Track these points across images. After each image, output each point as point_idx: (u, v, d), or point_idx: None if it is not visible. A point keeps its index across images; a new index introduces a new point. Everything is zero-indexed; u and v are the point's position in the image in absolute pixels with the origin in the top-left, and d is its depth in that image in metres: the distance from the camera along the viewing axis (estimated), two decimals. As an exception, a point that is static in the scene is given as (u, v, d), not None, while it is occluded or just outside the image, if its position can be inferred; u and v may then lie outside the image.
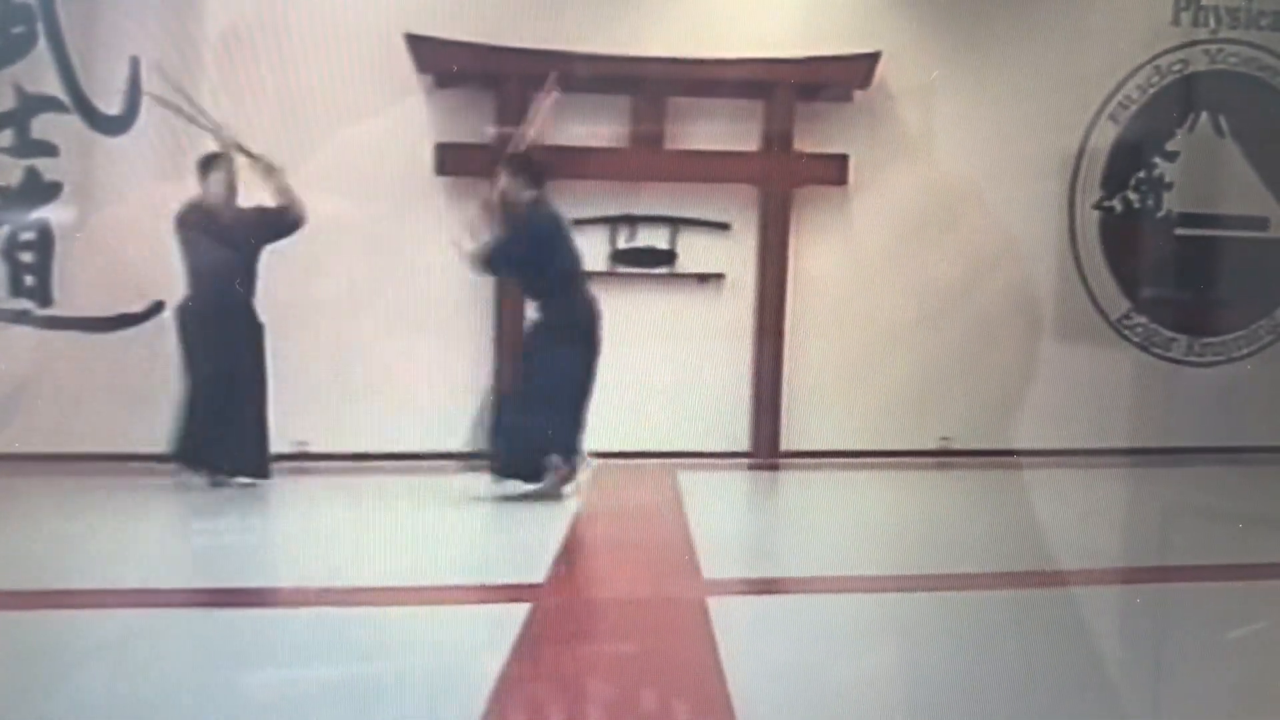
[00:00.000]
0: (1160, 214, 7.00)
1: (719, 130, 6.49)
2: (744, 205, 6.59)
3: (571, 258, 5.73)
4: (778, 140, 6.50)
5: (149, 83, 5.70)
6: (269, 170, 5.53)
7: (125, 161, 5.86)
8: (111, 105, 5.82)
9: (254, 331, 5.60)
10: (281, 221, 5.55)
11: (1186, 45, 6.88)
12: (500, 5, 6.10)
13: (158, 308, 5.92)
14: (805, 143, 6.53)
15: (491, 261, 5.64)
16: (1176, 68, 6.89)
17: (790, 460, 6.63)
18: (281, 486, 5.71)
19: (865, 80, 6.45)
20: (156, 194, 5.84)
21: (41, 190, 5.83)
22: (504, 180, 5.57)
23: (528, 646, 3.72)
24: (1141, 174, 6.97)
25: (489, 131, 6.29)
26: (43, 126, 5.80)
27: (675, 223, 6.50)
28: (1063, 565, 4.63)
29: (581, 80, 6.17)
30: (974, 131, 6.62)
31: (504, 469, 5.60)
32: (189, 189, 5.64)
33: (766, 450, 6.62)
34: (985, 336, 6.67)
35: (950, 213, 6.63)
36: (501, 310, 6.33)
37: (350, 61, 5.83)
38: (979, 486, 6.50)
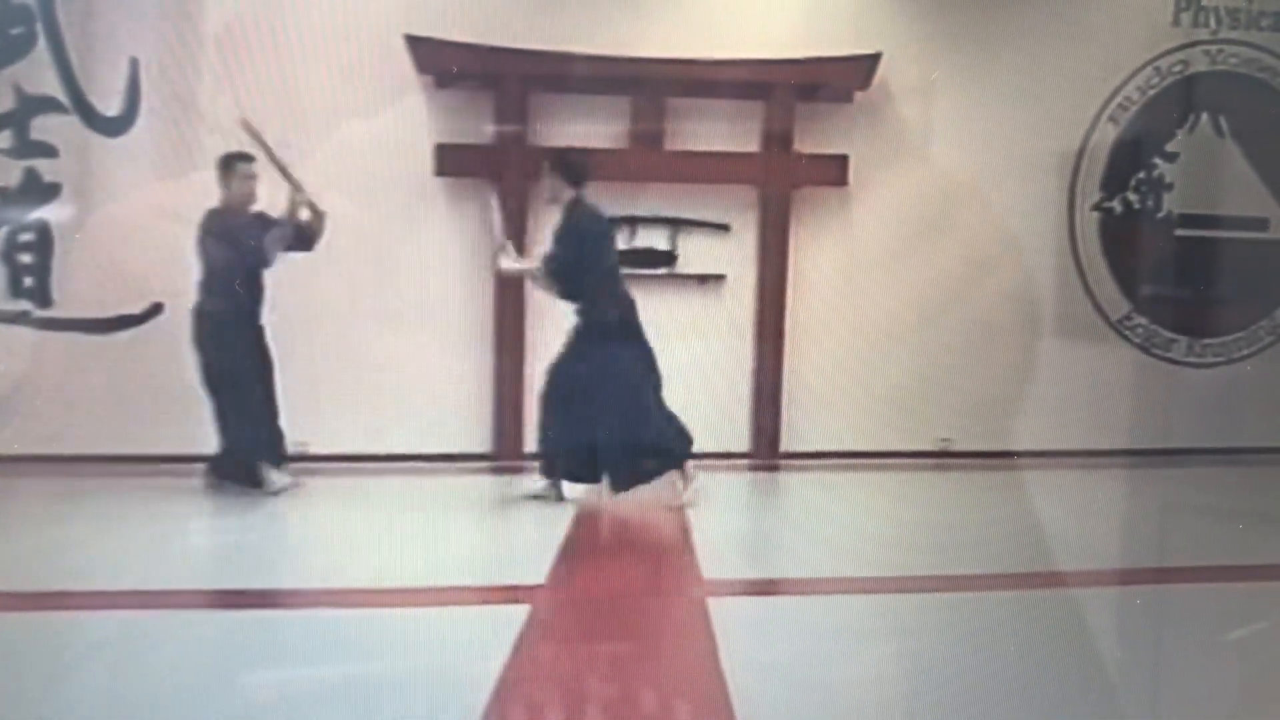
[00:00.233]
0: (1160, 215, 7.00)
1: (719, 131, 6.49)
2: (744, 206, 6.59)
3: (616, 255, 5.75)
4: (778, 141, 6.50)
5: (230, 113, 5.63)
6: (317, 214, 5.60)
7: (125, 162, 5.86)
8: (111, 106, 5.81)
9: (261, 334, 5.60)
10: (300, 237, 5.59)
11: (1187, 46, 6.88)
12: (500, 6, 6.10)
13: (157, 309, 5.91)
14: (805, 143, 6.53)
15: (556, 270, 5.50)
16: (1177, 69, 6.89)
17: (790, 461, 6.63)
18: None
19: (865, 81, 6.45)
20: (156, 195, 5.84)
21: (41, 191, 5.83)
22: (546, 179, 5.52)
23: (528, 647, 3.72)
24: (1141, 175, 6.97)
25: (489, 132, 6.30)
26: (42, 127, 5.80)
27: (675, 223, 6.50)
28: (1062, 566, 4.63)
29: (581, 81, 6.19)
30: (974, 132, 6.62)
31: (568, 472, 5.60)
32: (188, 190, 5.64)
33: (766, 451, 6.62)
34: (985, 338, 6.67)
35: (950, 214, 6.63)
36: (502, 310, 6.34)
37: (350, 62, 5.84)
38: (979, 487, 6.50)
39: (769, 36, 6.38)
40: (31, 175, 5.81)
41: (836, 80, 6.49)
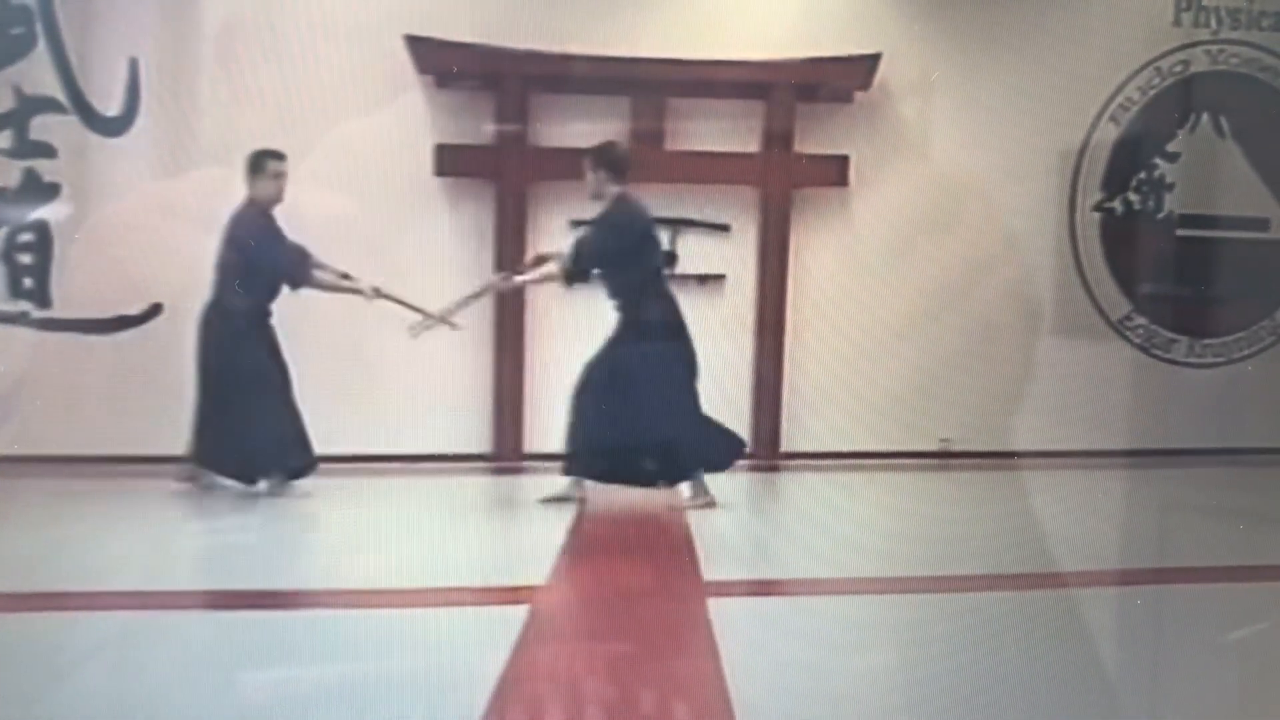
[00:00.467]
0: (1161, 215, 6.99)
1: (719, 131, 6.48)
2: (744, 206, 6.58)
3: (661, 252, 5.74)
4: (778, 141, 6.49)
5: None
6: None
7: (124, 163, 5.85)
8: (110, 106, 5.81)
9: (275, 334, 5.60)
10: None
11: (1188, 46, 6.87)
12: (501, 6, 6.09)
13: (156, 310, 5.91)
14: (806, 144, 6.52)
15: (590, 261, 5.46)
16: (1178, 69, 6.89)
17: (790, 461, 6.63)
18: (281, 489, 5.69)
19: (866, 81, 6.45)
20: (155, 196, 5.83)
21: (40, 191, 5.83)
22: (589, 175, 5.48)
23: (528, 648, 3.72)
24: (1142, 175, 6.96)
25: (489, 132, 6.29)
26: (42, 128, 5.79)
27: (675, 224, 6.49)
28: (1063, 567, 4.62)
29: (582, 81, 6.18)
30: (974, 133, 6.61)
31: (601, 472, 5.56)
32: (188, 190, 5.63)
33: (767, 451, 6.61)
34: (986, 338, 6.66)
35: (951, 215, 6.62)
36: (502, 310, 6.33)
37: (350, 62, 5.83)
38: (980, 488, 6.49)
39: (769, 37, 6.38)
40: (31, 176, 5.80)
41: (837, 80, 6.48)
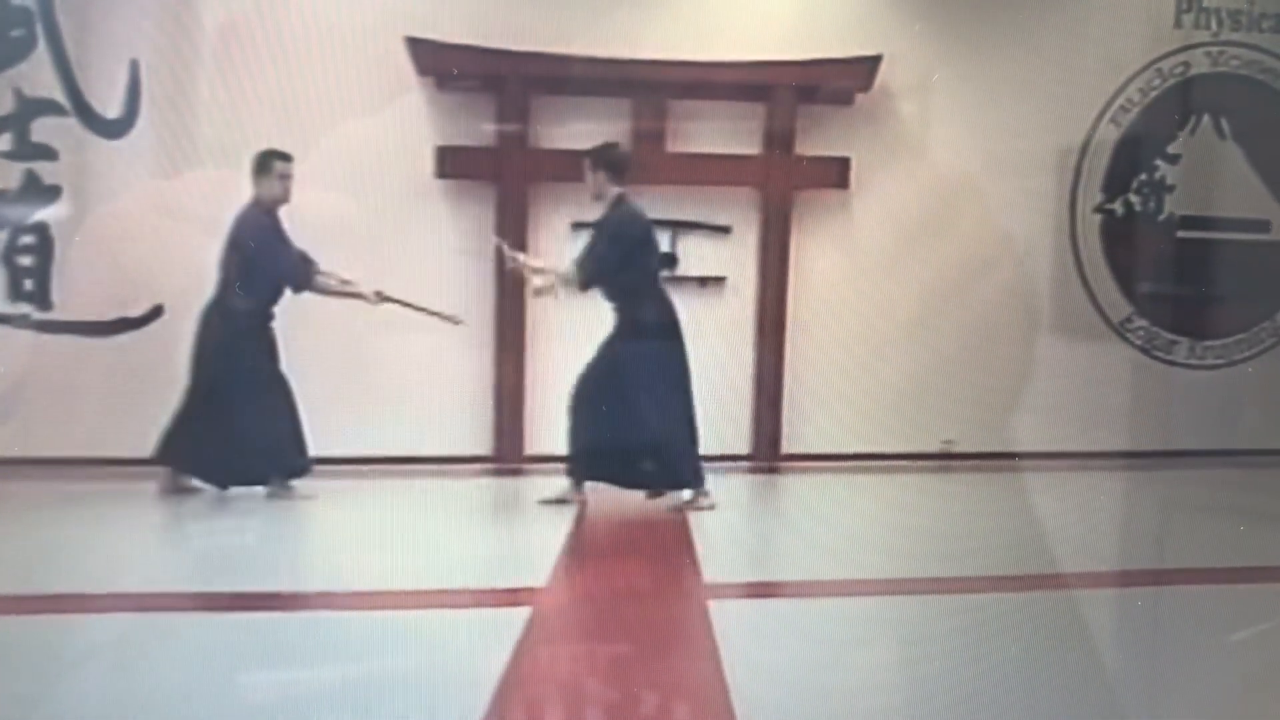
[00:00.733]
0: (1162, 217, 6.99)
1: (720, 133, 6.48)
2: (745, 208, 6.58)
3: (658, 255, 5.75)
4: (779, 143, 6.49)
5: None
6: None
7: (124, 165, 5.85)
8: (111, 108, 5.81)
9: (274, 336, 5.60)
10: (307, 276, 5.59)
11: (1188, 48, 6.87)
12: (501, 7, 6.09)
13: (156, 312, 5.91)
14: (806, 146, 6.52)
15: (595, 267, 5.45)
16: (1178, 70, 6.89)
17: (791, 463, 6.62)
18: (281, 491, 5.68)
19: (867, 83, 6.45)
20: (155, 198, 5.83)
21: (41, 194, 5.83)
22: (589, 176, 5.49)
23: (529, 649, 3.71)
24: (1143, 177, 6.96)
25: (489, 133, 6.29)
26: (42, 130, 5.79)
27: (676, 226, 6.49)
28: (1065, 568, 4.62)
29: (582, 82, 6.18)
30: (975, 135, 6.61)
31: (599, 474, 5.57)
32: (188, 192, 5.63)
33: (767, 453, 6.61)
34: (987, 340, 6.67)
35: (952, 216, 6.62)
36: (502, 311, 6.33)
37: (351, 64, 5.83)
38: (981, 489, 6.49)
39: (770, 38, 6.38)
40: (31, 178, 5.80)
41: (838, 82, 6.48)
